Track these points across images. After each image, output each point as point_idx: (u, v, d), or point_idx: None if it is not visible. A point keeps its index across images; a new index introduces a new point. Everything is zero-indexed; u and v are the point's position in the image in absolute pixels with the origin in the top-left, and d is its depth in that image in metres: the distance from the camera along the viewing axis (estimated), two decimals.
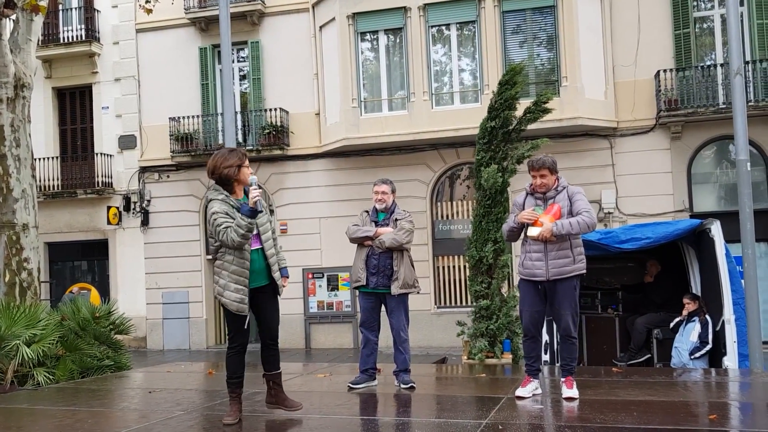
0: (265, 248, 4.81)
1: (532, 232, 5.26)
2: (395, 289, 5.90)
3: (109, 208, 18.14)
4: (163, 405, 5.62)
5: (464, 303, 15.46)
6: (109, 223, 18.15)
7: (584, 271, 5.34)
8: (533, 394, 5.40)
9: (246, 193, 4.69)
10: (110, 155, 18.35)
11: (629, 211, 15.17)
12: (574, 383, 5.33)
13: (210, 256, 17.59)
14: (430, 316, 15.84)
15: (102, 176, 18.12)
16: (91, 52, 18.37)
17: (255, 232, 4.70)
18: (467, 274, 9.74)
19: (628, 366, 8.79)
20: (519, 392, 5.39)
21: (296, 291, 17.08)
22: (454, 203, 16.56)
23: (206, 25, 17.59)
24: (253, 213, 4.52)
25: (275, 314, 4.94)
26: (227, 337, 4.88)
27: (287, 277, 4.98)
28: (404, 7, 15.74)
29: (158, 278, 17.88)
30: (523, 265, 5.42)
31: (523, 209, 5.42)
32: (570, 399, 5.22)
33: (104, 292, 17.23)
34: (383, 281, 5.94)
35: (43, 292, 18.43)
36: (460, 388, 6.60)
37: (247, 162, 4.76)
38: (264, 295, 4.83)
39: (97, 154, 18.27)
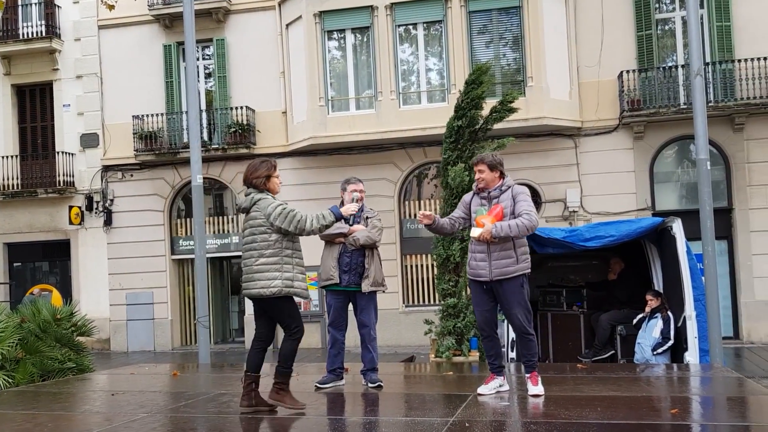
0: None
1: (474, 232, 5.25)
2: (366, 287, 5.89)
3: (70, 207, 17.78)
4: (126, 407, 5.53)
5: (432, 301, 15.52)
6: (71, 223, 17.80)
7: (528, 270, 5.32)
8: (497, 392, 5.42)
9: (352, 200, 5.65)
10: (72, 154, 18.00)
11: (593, 210, 15.39)
12: (539, 379, 5.35)
13: (174, 256, 17.58)
14: (399, 315, 15.86)
15: (63, 175, 17.75)
16: (52, 49, 17.99)
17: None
18: (435, 272, 9.78)
19: (593, 362, 8.90)
20: (481, 390, 5.43)
21: None
22: (422, 202, 16.61)
23: (170, 22, 17.35)
24: (339, 218, 5.10)
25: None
26: (289, 328, 5.11)
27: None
28: (371, 6, 15.73)
29: (122, 279, 17.59)
30: (469, 266, 5.44)
31: (470, 208, 5.43)
32: (536, 396, 5.24)
33: (66, 294, 16.87)
34: (355, 279, 5.93)
35: (1, 293, 18.06)
36: (427, 386, 6.63)
37: (276, 173, 5.17)
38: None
39: (58, 152, 17.90)
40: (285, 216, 4.90)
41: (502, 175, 5.41)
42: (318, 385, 6.00)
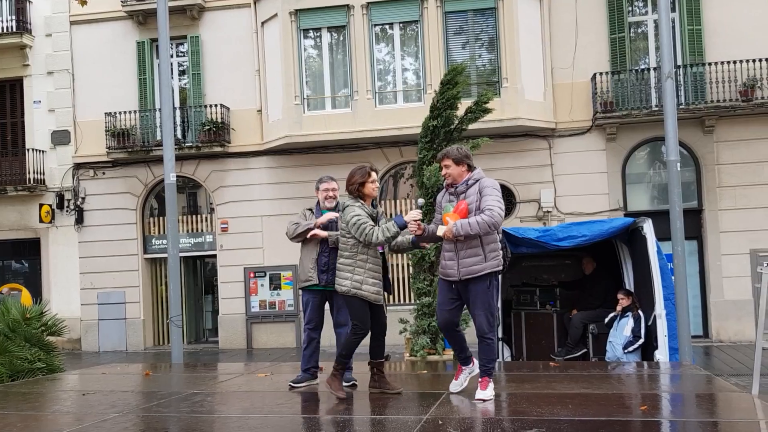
0: (386, 253, 5.56)
1: (440, 230, 5.11)
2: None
3: (41, 205, 17.51)
4: (97, 407, 5.46)
5: (407, 300, 15.55)
6: (41, 221, 17.52)
7: (498, 268, 5.12)
8: (467, 380, 5.40)
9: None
10: (42, 151, 17.72)
11: (567, 210, 15.54)
12: (490, 384, 5.14)
13: (147, 255, 17.39)
14: None
15: (33, 173, 17.46)
16: (22, 44, 17.68)
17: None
18: (410, 271, 9.81)
19: (566, 360, 9.00)
20: (452, 387, 5.41)
21: (237, 290, 16.87)
22: (398, 201, 16.65)
23: (144, 18, 17.17)
24: (404, 227, 5.22)
25: (384, 313, 5.57)
26: (354, 325, 5.40)
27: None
28: (347, 5, 15.72)
29: (93, 278, 17.36)
30: (440, 264, 5.33)
31: (440, 205, 5.31)
32: (482, 400, 5.07)
33: (36, 293, 16.62)
34: (333, 279, 5.90)
35: None
36: (401, 384, 6.62)
37: (371, 178, 5.42)
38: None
39: (28, 149, 17.61)
40: (357, 227, 5.25)
41: (470, 169, 5.21)
42: (292, 384, 5.99)
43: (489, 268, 5.04)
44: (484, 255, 5.02)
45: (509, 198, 15.93)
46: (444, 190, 5.35)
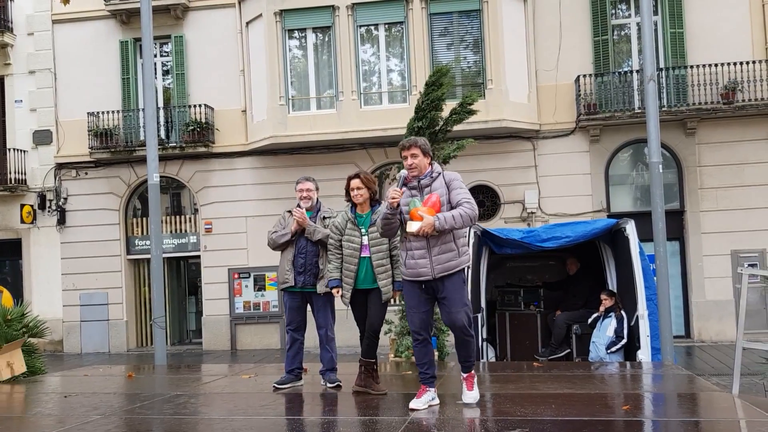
0: (373, 258, 5.52)
1: (412, 227, 4.69)
2: (321, 288, 5.86)
3: (22, 206, 17.33)
4: (79, 410, 5.42)
5: (392, 301, 15.52)
6: (22, 221, 17.34)
7: (470, 263, 4.93)
8: (429, 406, 4.92)
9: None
10: (24, 151, 17.54)
11: (551, 211, 15.63)
12: (475, 382, 5.00)
13: (130, 256, 17.27)
14: None
15: (15, 173, 17.27)
16: (4, 43, 17.49)
17: (366, 243, 5.53)
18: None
19: (549, 360, 9.05)
20: (413, 404, 4.90)
21: (221, 291, 16.79)
22: (384, 202, 16.61)
23: (127, 17, 17.05)
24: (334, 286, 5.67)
25: (378, 313, 5.63)
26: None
27: (399, 290, 5.51)
28: (332, 6, 15.71)
29: (76, 279, 17.20)
30: (406, 265, 4.89)
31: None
32: (469, 405, 4.90)
33: (17, 294, 16.38)
34: (310, 280, 5.90)
35: None
36: (386, 385, 6.62)
37: (350, 186, 5.59)
38: (372, 296, 5.60)
39: (9, 149, 17.41)
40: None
41: (431, 162, 4.95)
42: (276, 385, 5.97)
43: (463, 263, 4.84)
44: (458, 249, 4.80)
45: (494, 199, 16.01)
46: (397, 184, 4.89)
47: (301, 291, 5.95)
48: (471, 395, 4.97)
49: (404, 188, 4.87)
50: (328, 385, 5.96)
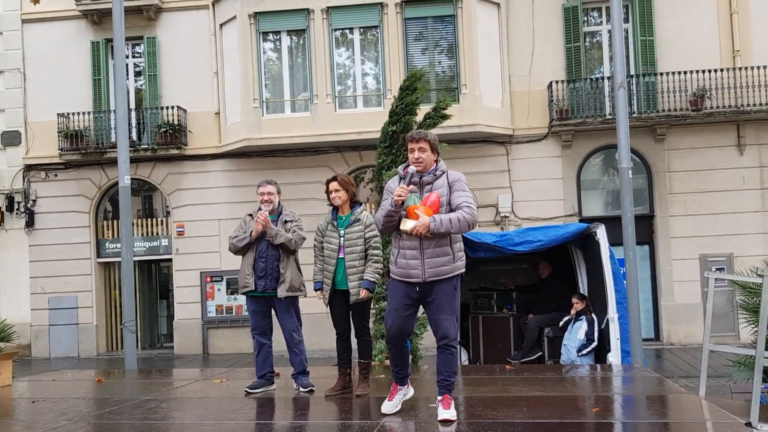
0: (346, 259, 5.54)
1: (406, 225, 4.45)
2: (282, 292, 5.83)
3: None
4: (47, 415, 5.33)
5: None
6: None
7: (464, 270, 4.67)
8: (402, 403, 4.89)
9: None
10: None
11: (524, 215, 15.77)
12: (452, 403, 4.59)
13: (100, 259, 17.03)
14: None
15: None
16: None
17: (341, 243, 5.56)
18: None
19: (522, 363, 9.12)
20: (385, 408, 4.82)
21: (193, 295, 16.64)
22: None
23: (99, 18, 16.85)
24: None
25: (357, 315, 5.70)
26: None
27: (366, 289, 5.51)
28: (307, 9, 15.69)
29: (44, 282, 16.92)
30: (396, 264, 4.63)
31: (392, 192, 4.59)
32: (446, 422, 4.50)
33: None
34: (271, 284, 5.85)
35: None
36: (355, 393, 6.63)
37: (330, 187, 5.64)
38: (345, 298, 5.61)
39: None
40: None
41: (437, 159, 4.72)
42: (248, 389, 5.93)
43: (457, 270, 4.60)
44: (453, 255, 4.55)
45: None
46: (399, 178, 4.68)
47: (262, 295, 5.91)
48: (447, 413, 4.53)
49: (411, 185, 4.57)
50: (301, 389, 5.94)
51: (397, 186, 4.56)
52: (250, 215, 6.01)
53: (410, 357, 5.05)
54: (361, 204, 5.77)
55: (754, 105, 14.91)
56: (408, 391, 5.00)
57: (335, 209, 5.71)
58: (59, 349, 16.84)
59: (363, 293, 5.50)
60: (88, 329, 16.91)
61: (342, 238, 5.59)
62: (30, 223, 17.06)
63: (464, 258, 4.66)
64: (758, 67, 14.94)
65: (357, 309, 5.66)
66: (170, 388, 6.88)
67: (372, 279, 5.49)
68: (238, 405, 5.57)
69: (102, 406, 5.77)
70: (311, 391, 5.88)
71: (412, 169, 4.62)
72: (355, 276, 5.52)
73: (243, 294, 6.03)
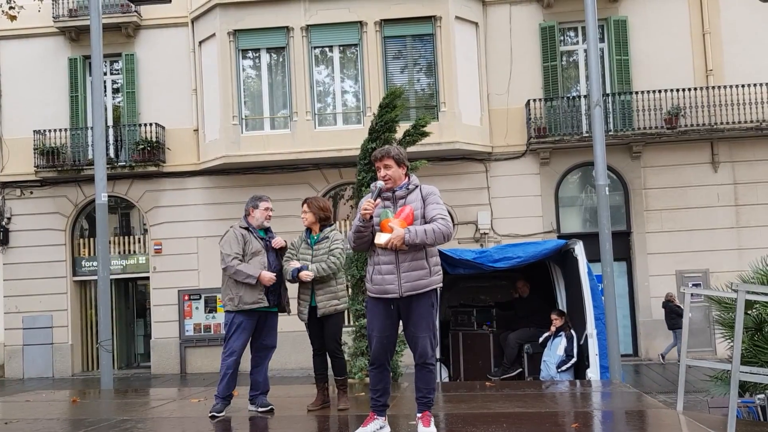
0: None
1: (380, 239, 4.38)
2: (286, 306, 5.92)
3: None
4: None
5: (346, 322, 15.45)
6: None
7: (441, 284, 4.60)
8: None
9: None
10: None
11: (503, 232, 15.85)
12: (432, 420, 4.51)
13: (76, 278, 16.80)
14: None
15: None
16: None
17: (311, 261, 5.75)
18: (348, 293, 9.78)
19: (502, 380, 9.12)
20: None
21: (171, 314, 16.45)
22: (337, 223, 16.57)
23: (77, 35, 16.76)
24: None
25: (329, 333, 5.80)
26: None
27: (305, 272, 5.66)
28: (287, 27, 15.74)
29: (18, 302, 16.63)
30: (372, 281, 4.53)
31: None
32: None
33: None
34: (275, 299, 5.82)
35: None
36: (334, 408, 6.59)
37: (301, 208, 5.94)
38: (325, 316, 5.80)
39: None
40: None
41: (407, 173, 4.70)
42: (215, 414, 5.62)
43: (435, 284, 4.51)
44: (429, 268, 4.47)
45: None
46: (372, 195, 4.56)
47: (261, 311, 5.72)
48: (428, 430, 4.43)
49: (378, 200, 4.54)
50: (260, 409, 5.77)
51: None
52: (246, 229, 5.86)
53: (391, 383, 4.73)
54: (332, 224, 5.98)
55: (727, 123, 15.20)
56: (385, 427, 4.62)
57: (309, 228, 5.93)
58: (33, 369, 16.53)
59: (303, 273, 5.60)
60: (63, 349, 16.64)
61: (311, 255, 5.79)
62: (4, 242, 16.80)
63: (441, 272, 4.61)
64: (731, 86, 15.26)
65: (328, 326, 5.72)
66: (147, 408, 6.78)
67: (317, 267, 5.65)
68: (216, 425, 5.49)
69: (77, 427, 5.67)
70: (271, 410, 5.75)
71: (380, 183, 4.58)
72: (322, 291, 5.69)
73: (249, 309, 5.66)
